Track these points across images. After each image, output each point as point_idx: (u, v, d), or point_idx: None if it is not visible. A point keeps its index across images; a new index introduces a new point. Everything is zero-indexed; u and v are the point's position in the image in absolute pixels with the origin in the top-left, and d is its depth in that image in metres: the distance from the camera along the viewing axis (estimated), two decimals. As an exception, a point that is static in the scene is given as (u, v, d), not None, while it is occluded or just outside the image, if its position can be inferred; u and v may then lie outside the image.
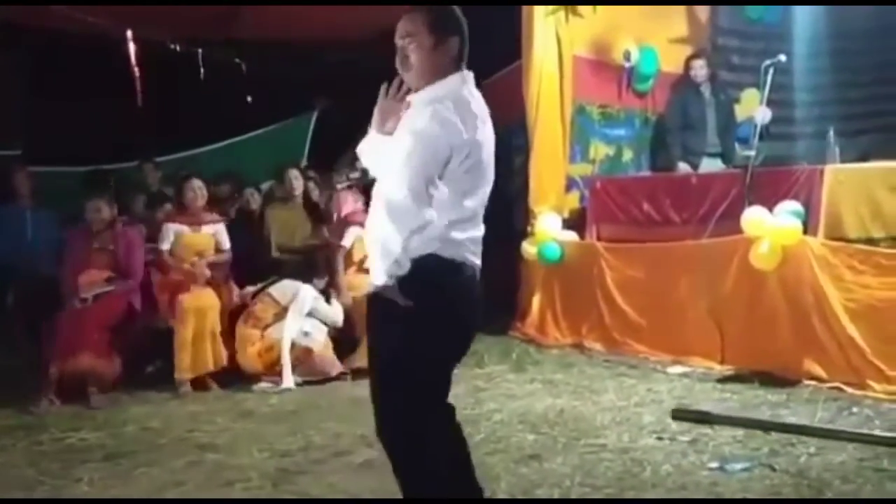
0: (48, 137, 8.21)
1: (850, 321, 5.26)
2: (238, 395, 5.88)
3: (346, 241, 6.48)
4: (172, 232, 6.41)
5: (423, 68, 2.78)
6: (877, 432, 4.39)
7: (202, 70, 7.81)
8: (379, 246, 2.72)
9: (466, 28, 2.84)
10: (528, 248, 7.41)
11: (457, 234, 2.76)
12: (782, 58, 6.33)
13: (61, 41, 7.68)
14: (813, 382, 5.33)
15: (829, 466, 3.95)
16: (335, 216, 6.92)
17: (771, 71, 6.26)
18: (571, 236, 7.39)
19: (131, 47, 7.21)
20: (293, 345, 6.12)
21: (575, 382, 5.84)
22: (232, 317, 6.35)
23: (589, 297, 6.96)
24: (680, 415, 4.83)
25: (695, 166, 7.47)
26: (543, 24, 7.50)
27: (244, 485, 4.05)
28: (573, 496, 3.76)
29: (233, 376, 6.19)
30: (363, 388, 3.21)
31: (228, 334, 6.26)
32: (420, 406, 2.80)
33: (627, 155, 8.27)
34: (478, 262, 2.87)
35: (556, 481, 3.92)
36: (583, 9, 7.61)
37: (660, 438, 4.49)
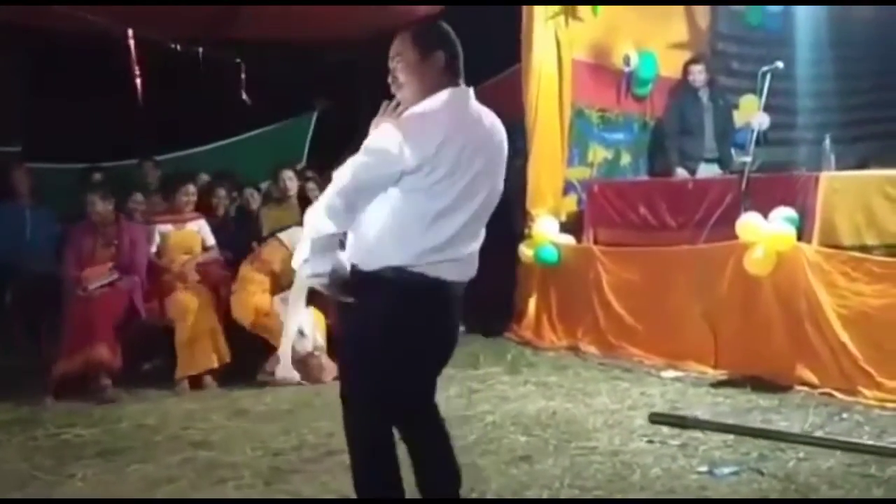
0: (48, 135, 8.24)
1: (843, 328, 5.28)
2: (234, 393, 5.91)
3: None
4: (158, 233, 6.46)
5: (411, 84, 2.85)
6: (865, 438, 4.42)
7: (202, 69, 7.82)
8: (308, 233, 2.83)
9: (456, 43, 2.90)
10: (525, 251, 7.43)
11: (433, 257, 2.79)
12: (779, 64, 6.35)
13: (62, 40, 7.71)
14: (805, 388, 5.35)
15: (816, 472, 3.98)
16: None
17: (768, 77, 6.28)
18: (568, 239, 7.41)
19: (131, 46, 7.22)
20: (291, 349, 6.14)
21: (569, 385, 5.86)
22: (229, 317, 6.38)
23: (585, 300, 6.98)
24: (657, 419, 4.87)
25: (692, 171, 7.49)
26: (543, 28, 7.52)
27: (236, 482, 4.08)
28: (562, 497, 3.79)
29: (229, 375, 6.21)
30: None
31: (226, 331, 6.27)
32: (368, 410, 2.91)
33: (626, 159, 8.29)
34: (457, 279, 2.90)
35: (546, 483, 3.95)
36: (583, 12, 7.63)
37: (650, 442, 4.52)
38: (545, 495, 3.82)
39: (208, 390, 6.00)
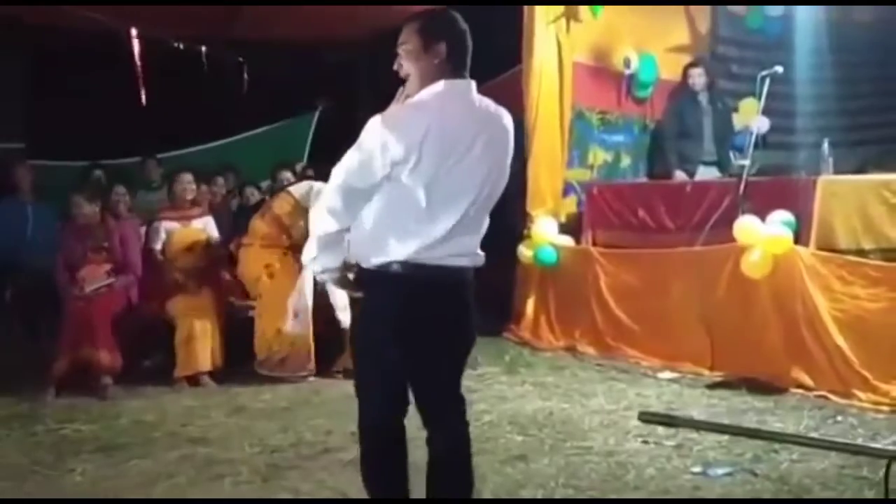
0: (51, 132, 8.28)
1: (838, 331, 5.32)
2: (232, 390, 5.93)
3: None
4: (164, 230, 6.48)
5: (413, 74, 2.85)
6: (859, 441, 4.45)
7: (205, 68, 7.86)
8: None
9: (463, 35, 2.87)
10: (525, 252, 7.46)
11: (435, 249, 2.78)
12: (779, 69, 6.38)
13: (65, 37, 7.74)
14: (800, 390, 5.39)
15: (810, 473, 4.02)
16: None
17: (767, 81, 6.31)
18: (567, 241, 7.44)
19: (135, 44, 7.26)
20: (279, 333, 6.16)
21: (566, 386, 5.89)
22: (230, 318, 6.41)
23: (583, 301, 7.01)
24: (646, 417, 4.91)
25: (691, 174, 7.51)
26: (544, 30, 7.55)
27: (234, 479, 4.11)
28: (557, 497, 3.83)
29: (228, 372, 6.24)
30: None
31: (224, 333, 6.30)
32: (370, 404, 2.96)
33: (626, 161, 8.32)
34: (465, 265, 2.88)
35: (541, 482, 3.98)
36: (583, 14, 7.66)
37: (645, 442, 4.56)
38: (540, 494, 3.85)
39: (206, 387, 6.02)
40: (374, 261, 2.83)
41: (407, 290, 2.80)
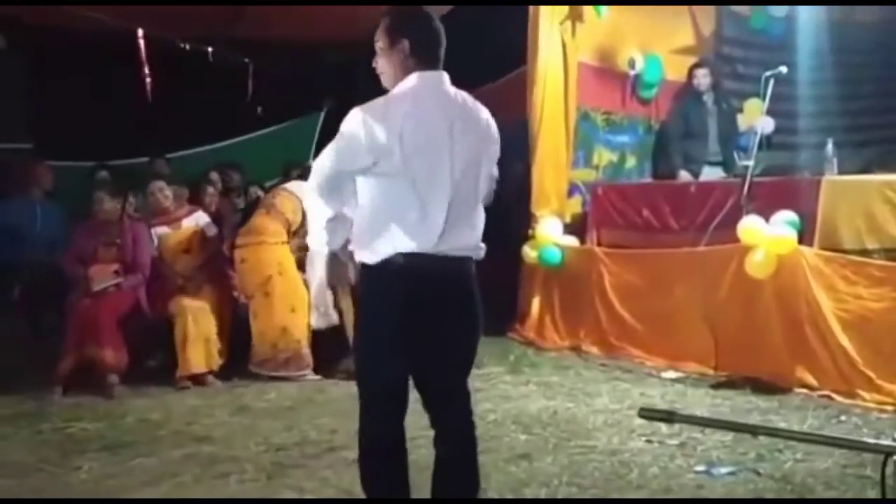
0: (58, 132, 8.30)
1: (843, 331, 5.32)
2: (237, 389, 5.97)
3: None
4: (156, 235, 6.50)
5: (385, 71, 2.97)
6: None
7: (211, 68, 7.89)
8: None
9: (427, 29, 2.95)
10: (529, 252, 7.48)
11: (427, 242, 2.84)
12: (783, 69, 6.37)
13: (72, 38, 7.77)
14: (804, 390, 5.39)
15: (813, 472, 4.02)
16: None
17: (772, 82, 6.31)
18: (572, 241, 7.45)
19: (141, 45, 7.29)
20: (284, 332, 6.17)
21: (570, 385, 5.90)
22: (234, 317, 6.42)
23: (587, 301, 7.03)
24: (646, 413, 4.90)
25: (696, 175, 7.52)
26: (549, 31, 7.56)
27: (239, 477, 4.13)
28: (560, 496, 3.84)
29: (232, 371, 6.28)
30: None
31: (224, 334, 6.33)
32: (368, 398, 2.98)
33: (631, 162, 8.32)
34: (460, 267, 2.93)
35: (545, 480, 3.99)
36: (587, 14, 7.67)
37: (649, 441, 4.56)
38: (543, 493, 3.86)
39: (210, 386, 6.05)
40: (374, 257, 2.87)
41: (410, 284, 2.84)
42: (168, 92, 7.74)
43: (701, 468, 4.12)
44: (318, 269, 5.26)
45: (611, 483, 3.97)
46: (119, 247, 6.24)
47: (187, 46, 7.70)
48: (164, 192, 6.61)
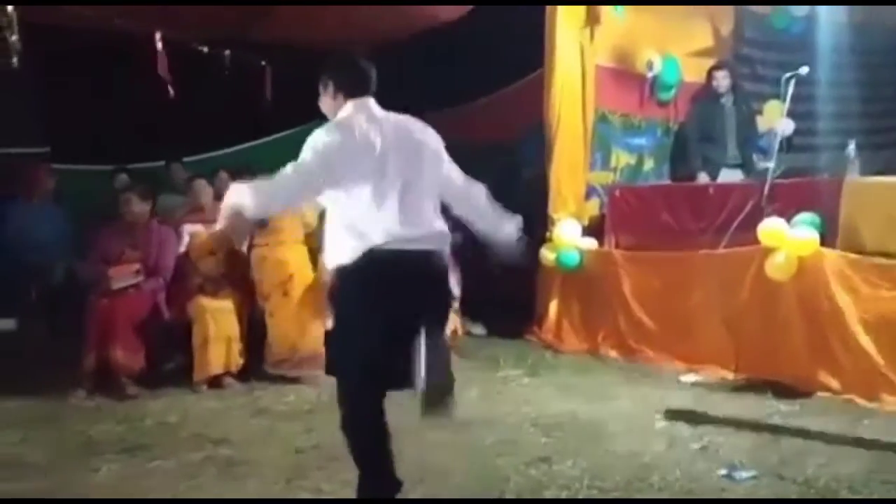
0: (75, 137, 8.34)
1: (865, 333, 5.26)
2: (255, 392, 5.95)
3: None
4: (187, 233, 6.51)
5: (326, 110, 3.58)
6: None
7: (228, 72, 7.88)
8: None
9: (344, 66, 3.57)
10: (547, 255, 7.45)
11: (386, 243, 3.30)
12: (804, 70, 6.32)
13: (89, 41, 7.80)
14: (826, 393, 5.34)
15: (837, 476, 3.97)
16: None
17: (792, 83, 6.26)
18: (590, 243, 7.42)
19: (159, 48, 7.30)
20: (304, 333, 6.15)
21: (589, 388, 5.87)
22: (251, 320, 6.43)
23: (606, 304, 6.99)
24: (672, 416, 4.90)
25: (714, 177, 7.46)
26: (566, 33, 7.53)
27: (257, 479, 4.12)
28: (581, 498, 3.81)
29: (250, 373, 6.26)
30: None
31: (244, 336, 6.30)
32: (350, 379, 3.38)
33: (648, 164, 8.29)
34: (422, 257, 3.37)
35: (565, 483, 3.96)
36: (605, 17, 7.63)
37: (670, 445, 4.52)
38: (564, 496, 3.83)
39: (228, 389, 6.03)
40: (345, 258, 3.33)
41: (376, 271, 3.30)
42: (185, 95, 7.73)
43: (723, 472, 4.08)
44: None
45: (632, 486, 3.93)
46: (143, 249, 6.24)
47: (205, 49, 7.70)
48: (207, 191, 6.70)
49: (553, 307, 7.47)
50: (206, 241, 6.46)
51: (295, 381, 6.09)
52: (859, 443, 4.44)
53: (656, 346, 6.56)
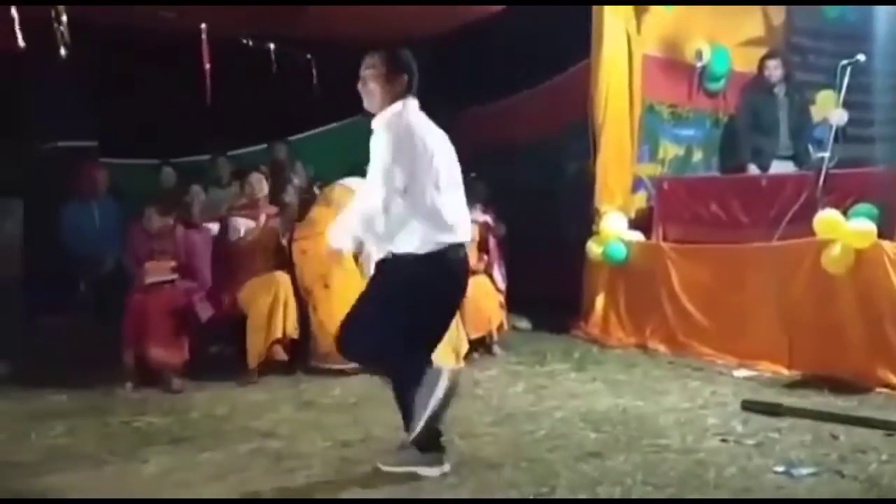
0: (123, 130, 8.39)
1: (926, 328, 5.12)
2: (300, 385, 5.95)
3: None
4: (242, 227, 6.50)
5: (374, 94, 3.80)
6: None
7: (274, 65, 7.87)
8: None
9: (415, 67, 3.83)
10: (594, 248, 7.35)
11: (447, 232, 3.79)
12: (861, 57, 6.16)
13: (137, 36, 7.83)
14: (885, 390, 5.19)
15: (901, 474, 3.84)
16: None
17: (848, 71, 6.10)
18: (637, 236, 7.31)
19: (204, 42, 7.31)
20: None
21: (638, 383, 5.78)
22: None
23: (653, 297, 6.88)
24: (749, 405, 4.78)
25: (764, 169, 7.29)
26: (614, 22, 7.43)
27: (306, 472, 4.08)
28: (635, 495, 3.71)
29: (295, 366, 6.27)
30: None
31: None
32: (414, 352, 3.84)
33: (697, 156, 8.14)
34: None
35: (618, 479, 3.87)
36: (653, 7, 7.51)
37: (724, 441, 4.41)
38: (617, 492, 3.74)
39: (274, 381, 6.03)
40: (423, 248, 3.72)
41: (445, 267, 3.78)
42: (230, 89, 7.74)
43: (780, 469, 3.95)
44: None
45: (687, 483, 3.83)
46: (174, 256, 6.28)
47: (250, 42, 7.70)
48: (262, 185, 6.73)
49: (599, 301, 7.38)
50: (256, 235, 6.46)
51: (340, 373, 6.06)
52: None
53: (706, 340, 6.44)
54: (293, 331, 6.22)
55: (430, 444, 3.85)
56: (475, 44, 8.41)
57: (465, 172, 4.03)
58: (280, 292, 6.20)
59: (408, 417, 3.85)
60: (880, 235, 5.42)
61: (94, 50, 7.30)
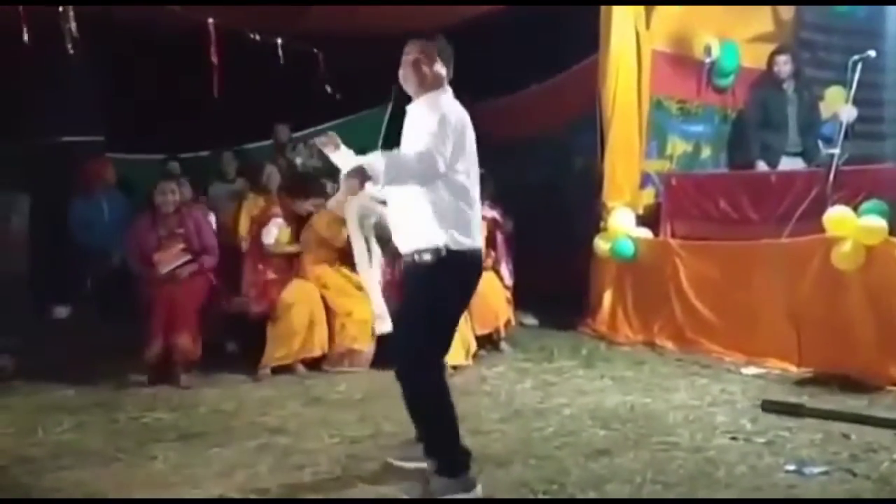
0: (129, 126, 8.39)
1: (937, 326, 5.08)
2: (308, 381, 5.94)
3: None
4: (277, 228, 6.49)
5: (412, 80, 3.75)
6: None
7: (281, 60, 7.84)
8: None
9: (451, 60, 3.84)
10: (601, 244, 7.32)
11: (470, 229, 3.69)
12: (871, 53, 6.12)
13: (145, 32, 7.83)
14: (896, 388, 5.16)
15: (912, 473, 3.82)
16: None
17: (858, 67, 6.06)
18: (645, 233, 7.28)
19: (212, 37, 7.28)
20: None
21: (646, 380, 5.76)
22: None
23: (661, 294, 6.85)
24: (770, 406, 4.75)
25: (773, 165, 7.25)
26: (622, 18, 7.38)
27: (313, 469, 4.08)
28: (644, 493, 3.70)
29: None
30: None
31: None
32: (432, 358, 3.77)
33: (706, 152, 8.08)
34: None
35: (627, 477, 3.86)
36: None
37: (734, 439, 4.40)
38: (626, 490, 3.73)
39: (282, 377, 6.01)
40: (455, 245, 3.60)
41: (471, 270, 3.74)
42: (237, 85, 7.73)
43: (791, 467, 3.94)
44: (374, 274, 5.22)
45: (697, 481, 3.81)
46: (182, 236, 6.24)
47: (257, 37, 7.67)
48: (276, 177, 6.91)
49: (607, 298, 7.35)
50: (285, 235, 6.44)
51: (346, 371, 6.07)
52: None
53: (715, 337, 6.41)
54: (320, 350, 6.22)
55: (455, 468, 3.67)
56: (482, 40, 8.37)
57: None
58: (316, 311, 6.20)
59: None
60: (891, 232, 5.38)
61: (100, 45, 7.27)
